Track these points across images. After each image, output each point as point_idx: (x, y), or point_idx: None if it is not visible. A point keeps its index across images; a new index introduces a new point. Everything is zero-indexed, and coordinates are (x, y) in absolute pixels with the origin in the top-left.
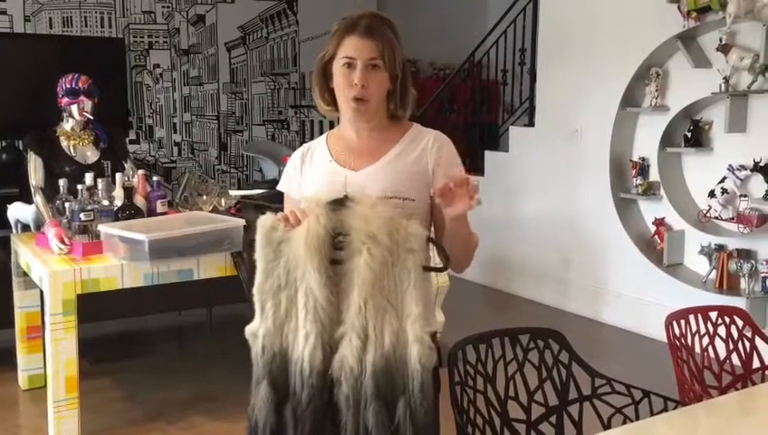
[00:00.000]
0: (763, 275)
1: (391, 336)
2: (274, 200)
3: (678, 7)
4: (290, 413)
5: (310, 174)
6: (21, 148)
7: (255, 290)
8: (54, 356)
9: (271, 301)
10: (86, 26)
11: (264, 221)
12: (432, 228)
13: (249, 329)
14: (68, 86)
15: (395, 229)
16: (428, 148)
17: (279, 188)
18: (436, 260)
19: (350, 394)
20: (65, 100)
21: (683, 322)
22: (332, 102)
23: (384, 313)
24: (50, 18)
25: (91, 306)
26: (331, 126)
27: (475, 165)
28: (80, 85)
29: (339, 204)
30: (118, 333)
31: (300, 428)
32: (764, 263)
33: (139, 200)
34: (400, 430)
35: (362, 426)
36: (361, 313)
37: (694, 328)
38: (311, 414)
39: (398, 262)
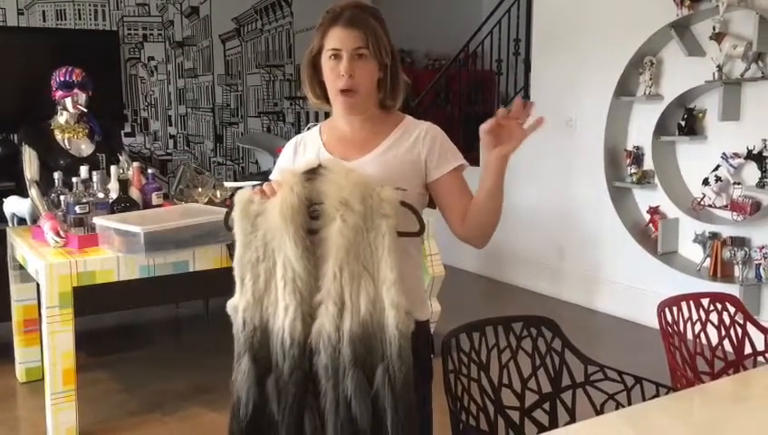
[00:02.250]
0: (756, 262)
1: (367, 303)
2: None
3: None
4: (272, 386)
5: (303, 162)
6: (16, 141)
7: (235, 264)
8: (51, 349)
9: (250, 274)
10: (80, 19)
11: (241, 195)
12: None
13: (230, 303)
14: (62, 79)
15: (368, 195)
16: (421, 138)
17: (271, 178)
18: (432, 255)
19: (328, 363)
20: (59, 93)
21: (675, 308)
22: (323, 95)
23: (360, 279)
24: (43, 11)
25: (88, 299)
26: (327, 117)
27: (470, 155)
28: (74, 78)
29: (313, 173)
30: (115, 326)
31: (283, 400)
32: (758, 250)
33: (135, 193)
34: (379, 397)
35: (342, 394)
36: (337, 280)
37: (686, 315)
38: (293, 385)
39: (373, 228)
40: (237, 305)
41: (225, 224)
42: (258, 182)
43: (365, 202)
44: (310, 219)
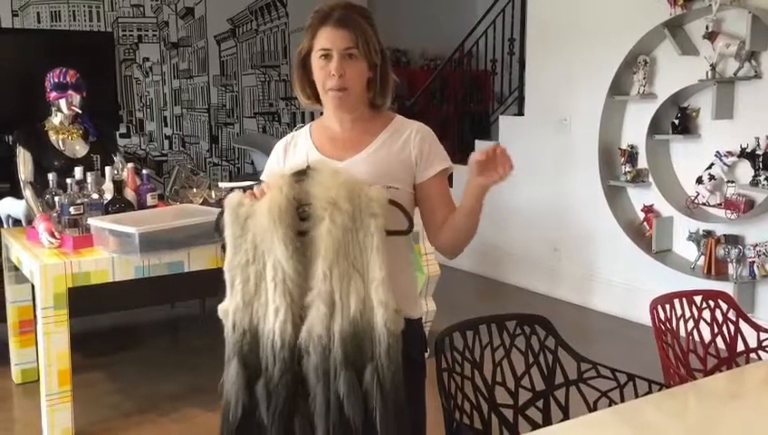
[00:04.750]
0: (750, 260)
1: (357, 302)
2: None
3: None
4: (262, 389)
5: (293, 164)
6: (10, 143)
7: (225, 267)
8: (46, 350)
9: (240, 277)
10: (74, 20)
11: (231, 198)
12: (418, 220)
13: (221, 307)
14: (56, 80)
15: (356, 194)
16: (412, 138)
17: (262, 178)
18: (427, 254)
19: (318, 364)
20: (53, 94)
21: (668, 306)
22: (314, 95)
23: (349, 279)
24: (38, 13)
25: (84, 300)
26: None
27: (465, 155)
28: (68, 79)
29: (301, 175)
30: (110, 327)
31: (273, 403)
32: (752, 248)
33: (129, 194)
34: (368, 397)
35: (333, 396)
36: (327, 280)
37: (679, 312)
38: (283, 388)
39: (362, 227)
40: (228, 309)
41: (215, 227)
42: (253, 183)
43: (353, 201)
44: (299, 220)
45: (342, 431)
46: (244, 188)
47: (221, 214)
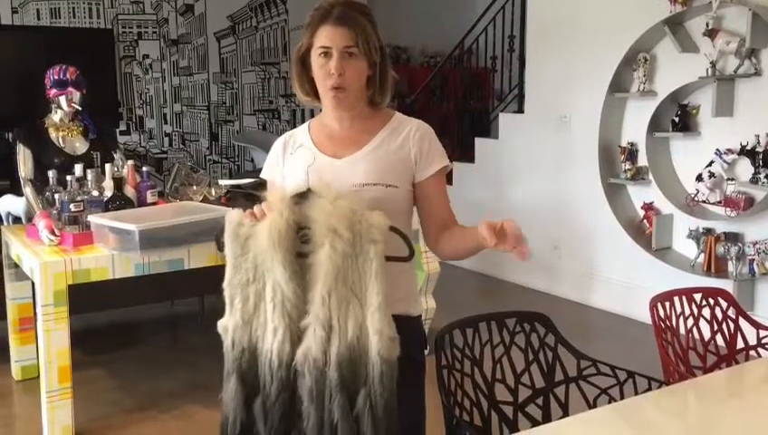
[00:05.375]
0: (750, 257)
1: (355, 327)
2: (263, 189)
3: None
4: (259, 407)
5: (291, 162)
6: (10, 140)
7: (225, 285)
8: (46, 347)
9: (239, 296)
10: (74, 17)
11: (231, 217)
12: (415, 218)
13: (220, 323)
14: (56, 77)
15: (356, 221)
16: (411, 136)
17: (261, 176)
18: (427, 252)
19: (313, 386)
20: (53, 91)
21: (668, 304)
22: (313, 92)
23: (348, 304)
24: (37, 10)
25: (84, 298)
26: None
27: (465, 152)
28: (67, 76)
29: (302, 197)
30: (110, 324)
31: (269, 421)
32: (751, 246)
33: (129, 191)
34: (360, 422)
35: (327, 418)
36: (325, 304)
37: (678, 310)
38: (280, 407)
39: (362, 253)
40: (227, 326)
41: (215, 243)
42: (253, 181)
43: (353, 228)
44: (299, 243)
45: None
46: (246, 194)
47: (221, 231)
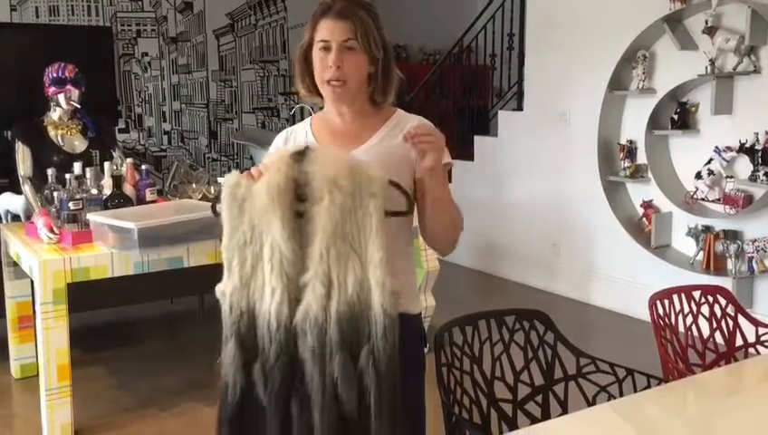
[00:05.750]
0: (749, 255)
1: (355, 283)
2: None
3: None
4: (258, 371)
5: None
6: (9, 138)
7: (223, 248)
8: (46, 345)
9: (237, 258)
10: (73, 15)
11: (229, 178)
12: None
13: (218, 288)
14: (54, 75)
15: (356, 173)
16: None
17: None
18: (427, 249)
19: (315, 345)
20: (52, 89)
21: (666, 301)
22: (314, 88)
23: (347, 259)
24: (36, 7)
25: (83, 296)
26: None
27: (464, 150)
28: (66, 74)
29: (300, 154)
30: (109, 323)
31: (269, 384)
32: (750, 243)
33: (128, 189)
34: (364, 378)
35: (328, 378)
36: (324, 260)
37: (677, 307)
38: (279, 370)
39: (361, 207)
40: (225, 290)
41: (212, 210)
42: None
43: (353, 180)
44: (297, 201)
45: (337, 413)
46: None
47: (218, 196)
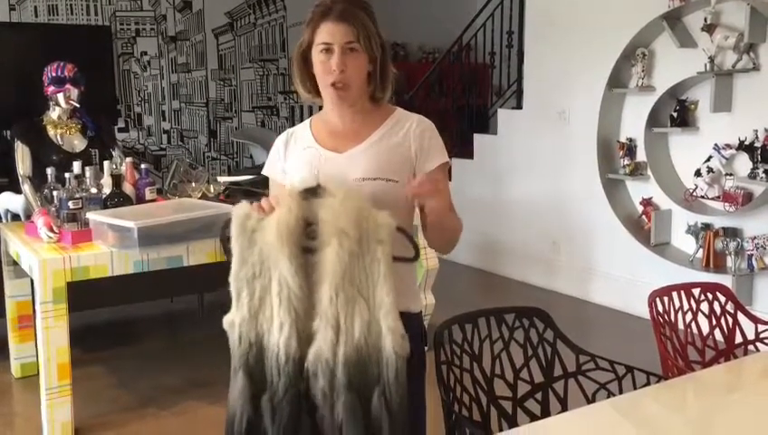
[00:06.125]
0: (748, 252)
1: (362, 327)
2: (262, 186)
3: None
4: (267, 404)
5: (293, 158)
6: (8, 137)
7: (231, 278)
8: (46, 344)
9: (246, 289)
10: (72, 14)
11: (239, 209)
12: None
13: (226, 319)
14: (54, 74)
15: (363, 219)
16: (412, 131)
17: (263, 172)
18: (427, 248)
19: (326, 387)
20: (51, 88)
21: (666, 298)
22: (314, 89)
23: (354, 304)
24: (35, 7)
25: (83, 295)
26: (321, 111)
27: (464, 148)
28: (65, 73)
29: (311, 193)
30: (110, 322)
31: (277, 418)
32: (750, 241)
33: (128, 188)
34: (376, 420)
35: (337, 418)
36: (333, 303)
37: (677, 305)
38: (287, 404)
39: (368, 253)
40: (233, 320)
41: (221, 235)
42: (251, 177)
43: (360, 227)
44: (306, 238)
45: None
46: (252, 192)
47: (227, 223)
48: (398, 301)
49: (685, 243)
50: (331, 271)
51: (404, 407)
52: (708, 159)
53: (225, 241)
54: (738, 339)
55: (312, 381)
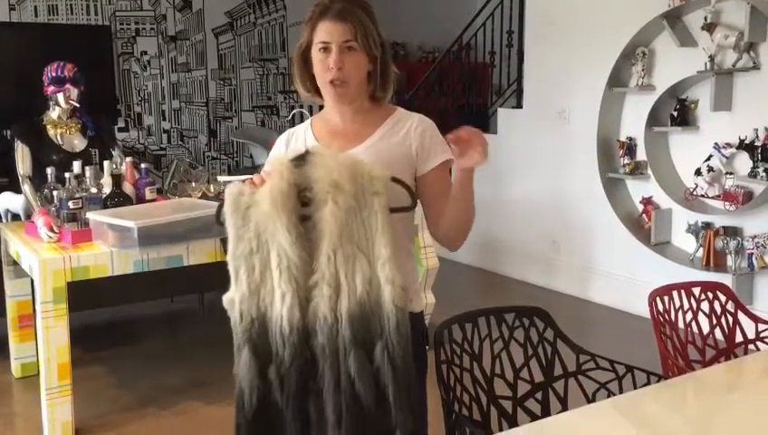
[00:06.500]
0: (749, 251)
1: (363, 282)
2: None
3: None
4: (274, 375)
5: (292, 150)
6: (8, 137)
7: (228, 258)
8: (46, 344)
9: (244, 266)
10: (72, 14)
11: (231, 188)
12: (417, 214)
13: (226, 297)
14: (53, 74)
15: (358, 174)
16: (412, 130)
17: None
18: (426, 247)
19: (325, 344)
20: (51, 88)
21: (666, 298)
22: (314, 89)
23: (354, 260)
24: (35, 7)
25: (83, 295)
26: (321, 110)
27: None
28: (65, 73)
29: (301, 159)
30: (110, 321)
31: (286, 387)
32: (750, 239)
33: (128, 188)
34: (380, 374)
35: (344, 375)
36: (331, 262)
37: (677, 304)
38: (295, 372)
39: (365, 206)
40: (233, 299)
41: (216, 219)
42: (250, 176)
43: (355, 181)
44: (301, 206)
45: (354, 409)
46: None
47: (221, 205)
48: (408, 297)
49: (685, 242)
50: (328, 231)
51: (408, 360)
52: (708, 158)
53: (221, 224)
54: (738, 338)
55: (312, 339)
